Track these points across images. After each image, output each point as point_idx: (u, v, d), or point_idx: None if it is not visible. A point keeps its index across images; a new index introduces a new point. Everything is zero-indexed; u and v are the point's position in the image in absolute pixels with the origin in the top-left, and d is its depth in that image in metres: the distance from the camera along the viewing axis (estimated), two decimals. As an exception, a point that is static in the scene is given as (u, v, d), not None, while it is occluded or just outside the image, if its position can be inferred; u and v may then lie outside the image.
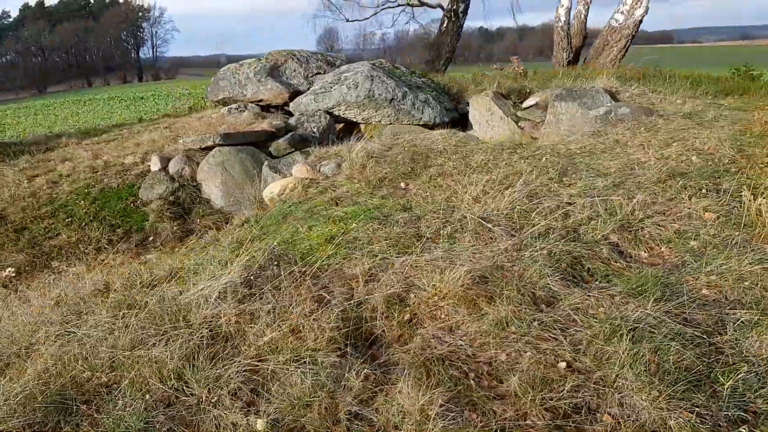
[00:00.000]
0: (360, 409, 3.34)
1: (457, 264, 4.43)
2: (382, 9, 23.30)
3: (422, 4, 23.39)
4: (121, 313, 4.87)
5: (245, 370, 3.76)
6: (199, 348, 4.09)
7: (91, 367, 4.18)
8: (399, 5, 23.30)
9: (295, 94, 11.91)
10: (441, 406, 3.13)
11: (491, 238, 4.83)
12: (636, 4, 16.96)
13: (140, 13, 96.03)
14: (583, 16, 18.87)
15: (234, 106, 11.91)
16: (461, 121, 11.44)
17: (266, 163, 8.03)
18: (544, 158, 6.48)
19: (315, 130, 10.13)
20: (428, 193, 6.04)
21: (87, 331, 4.65)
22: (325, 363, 3.68)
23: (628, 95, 9.48)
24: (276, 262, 4.83)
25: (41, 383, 4.04)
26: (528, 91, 11.24)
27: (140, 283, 5.51)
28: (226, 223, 8.60)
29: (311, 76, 12.34)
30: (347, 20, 23.76)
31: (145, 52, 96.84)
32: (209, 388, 3.71)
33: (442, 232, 5.13)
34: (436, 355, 3.66)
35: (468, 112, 11.31)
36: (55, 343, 4.66)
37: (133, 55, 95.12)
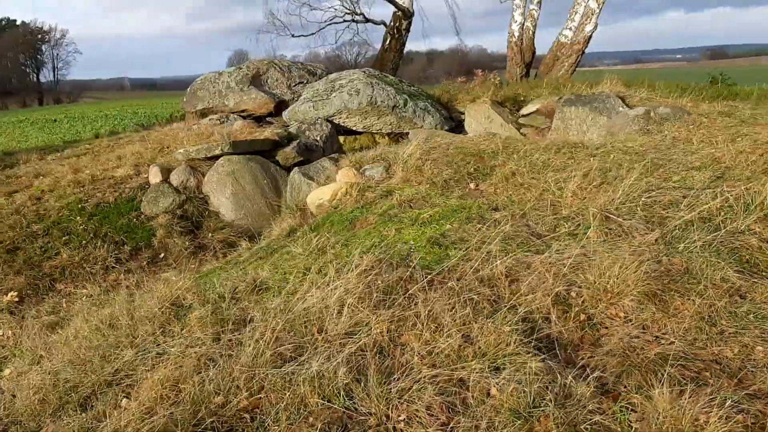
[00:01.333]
0: (602, 418, 2.97)
1: (599, 260, 4.15)
2: (328, 24, 22.96)
3: (367, 21, 23.25)
4: (227, 329, 4.34)
5: (433, 382, 3.32)
6: (361, 359, 3.63)
7: (222, 389, 3.63)
8: (345, 21, 23.06)
9: (280, 104, 11.41)
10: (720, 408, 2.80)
11: (624, 232, 4.57)
12: (586, 20, 17.37)
13: (39, 36, 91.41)
14: (531, 32, 19.19)
15: (215, 116, 11.27)
16: (456, 130, 11.24)
17: (296, 170, 7.51)
18: (611, 155, 6.31)
19: (318, 138, 9.66)
20: (510, 192, 5.75)
21: (195, 349, 4.10)
22: (527, 369, 3.28)
23: (638, 99, 9.53)
24: (412, 265, 4.39)
25: (162, 412, 3.48)
26: (522, 99, 11.17)
27: (218, 296, 4.95)
28: (242, 237, 8.04)
29: (294, 86, 11.86)
30: (293, 35, 23.26)
31: (46, 75, 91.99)
32: (393, 405, 3.25)
33: (558, 229, 4.84)
34: (649, 356, 3.34)
35: (462, 120, 11.13)
36: (159, 365, 4.08)
37: (32, 78, 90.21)
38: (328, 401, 3.38)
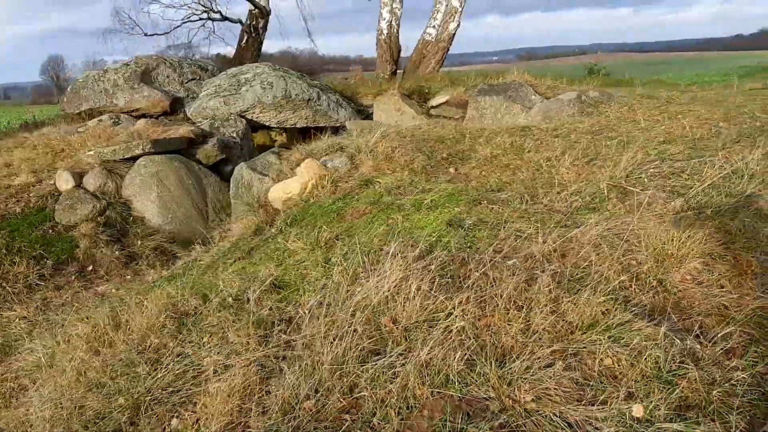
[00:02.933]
0: (742, 374, 3.02)
1: (646, 228, 4.25)
2: (183, 23, 21.89)
3: (224, 19, 22.46)
4: (272, 331, 3.98)
5: (555, 358, 3.22)
6: (458, 345, 3.44)
7: (309, 393, 3.34)
8: (200, 19, 22.09)
9: (175, 101, 10.68)
10: None
11: (640, 203, 4.70)
12: (449, 18, 17.96)
13: None
14: (396, 30, 19.48)
15: (105, 117, 10.32)
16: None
17: (243, 165, 7.01)
18: (571, 135, 6.51)
19: (234, 135, 9.15)
20: (499, 174, 5.75)
21: (246, 356, 3.73)
22: (644, 335, 3.27)
23: (545, 87, 9.95)
24: (467, 248, 4.24)
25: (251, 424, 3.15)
26: (426, 91, 11.27)
27: (232, 298, 4.53)
28: (174, 243, 7.45)
29: (186, 82, 11.15)
30: (146, 35, 21.91)
31: None
32: (517, 386, 3.12)
33: (573, 204, 4.90)
34: (746, 312, 3.44)
35: (370, 113, 11.05)
36: (208, 377, 3.66)
37: None
38: (438, 391, 3.17)
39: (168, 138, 8.15)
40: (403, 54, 19.82)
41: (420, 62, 18.70)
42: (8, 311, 6.22)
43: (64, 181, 7.69)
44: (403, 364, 3.27)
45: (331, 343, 3.51)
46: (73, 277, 6.94)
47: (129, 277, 7.08)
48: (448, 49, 18.90)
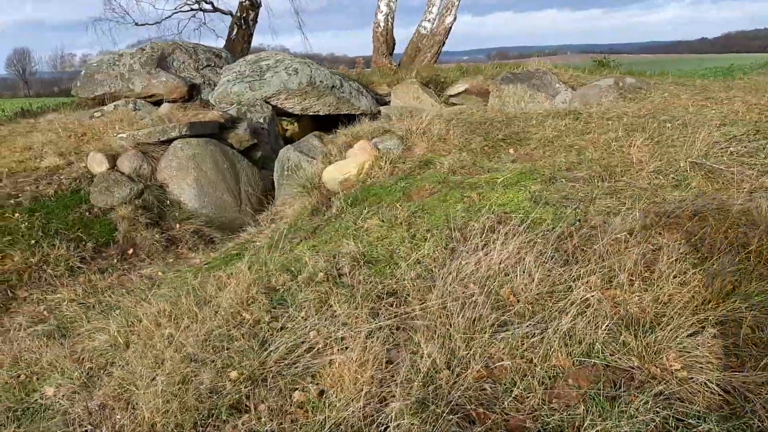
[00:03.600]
0: None
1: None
2: (175, 13, 21.55)
3: (215, 10, 22.16)
4: (381, 303, 3.92)
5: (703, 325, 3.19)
6: (589, 316, 3.40)
7: (443, 364, 3.29)
8: (191, 9, 21.77)
9: (191, 88, 10.51)
10: None
11: (727, 181, 4.73)
12: (446, 12, 17.99)
13: None
14: (390, 23, 19.44)
15: (120, 102, 10.11)
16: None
17: (290, 147, 6.90)
18: (623, 119, 6.53)
19: (261, 120, 9.02)
20: (564, 155, 5.73)
21: (364, 327, 3.66)
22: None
23: (568, 77, 9.99)
24: (576, 222, 4.21)
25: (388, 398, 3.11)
26: (443, 80, 11.25)
27: (324, 273, 4.43)
28: (211, 226, 7.33)
29: (201, 69, 10.98)
30: (136, 24, 21.51)
31: None
32: (665, 355, 3.09)
33: (656, 183, 4.90)
34: None
35: (387, 101, 10.99)
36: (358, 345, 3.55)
37: None
38: (581, 360, 3.14)
39: (203, 122, 8.00)
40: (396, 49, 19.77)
41: (415, 55, 18.69)
42: (53, 294, 6.04)
43: (98, 163, 7.50)
44: (542, 334, 3.23)
45: (458, 313, 3.46)
46: (115, 260, 6.77)
47: (171, 260, 6.94)
48: (444, 43, 18.93)
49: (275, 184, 7.19)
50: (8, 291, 6.05)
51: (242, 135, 8.29)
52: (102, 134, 8.65)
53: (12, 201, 7.05)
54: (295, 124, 11.99)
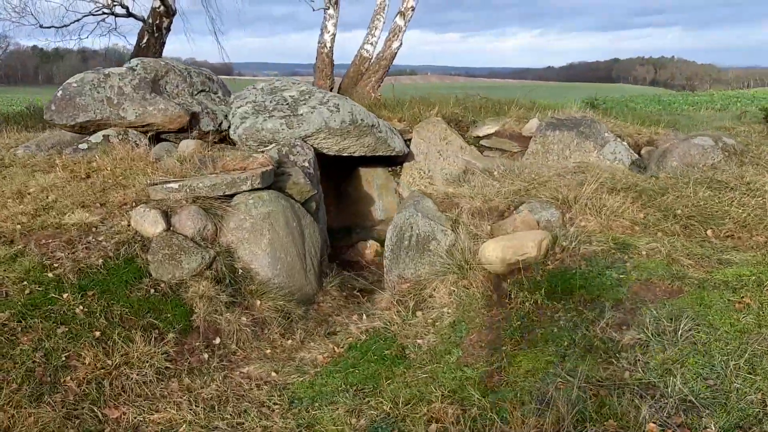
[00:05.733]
0: None
1: None
2: (84, 16, 19.05)
3: (129, 15, 19.88)
4: None
5: None
6: None
7: None
8: (103, 13, 19.38)
9: (192, 117, 8.94)
10: None
11: None
12: (393, 37, 17.57)
13: None
14: (333, 44, 18.67)
15: (110, 132, 8.37)
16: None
17: (413, 211, 5.70)
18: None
19: (307, 164, 7.73)
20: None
21: None
22: None
23: (612, 124, 9.50)
24: None
25: None
26: (460, 119, 10.42)
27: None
28: (289, 301, 6.08)
29: (196, 94, 9.39)
30: (41, 26, 18.76)
31: None
32: None
33: None
34: None
35: (407, 140, 10.00)
36: None
37: None
38: None
39: (266, 170, 6.61)
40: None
41: (358, 79, 17.98)
42: (154, 411, 4.55)
43: (151, 223, 5.93)
44: None
45: None
46: (204, 355, 5.32)
47: (268, 351, 5.57)
48: (389, 68, 18.35)
49: (389, 253, 6.00)
50: (92, 409, 4.47)
51: (303, 184, 6.99)
52: (119, 178, 7.00)
53: (50, 274, 5.36)
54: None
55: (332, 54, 17.91)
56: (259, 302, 5.94)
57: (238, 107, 8.64)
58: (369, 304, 6.53)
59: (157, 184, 6.44)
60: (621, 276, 4.73)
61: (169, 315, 5.44)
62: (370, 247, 9.47)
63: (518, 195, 6.03)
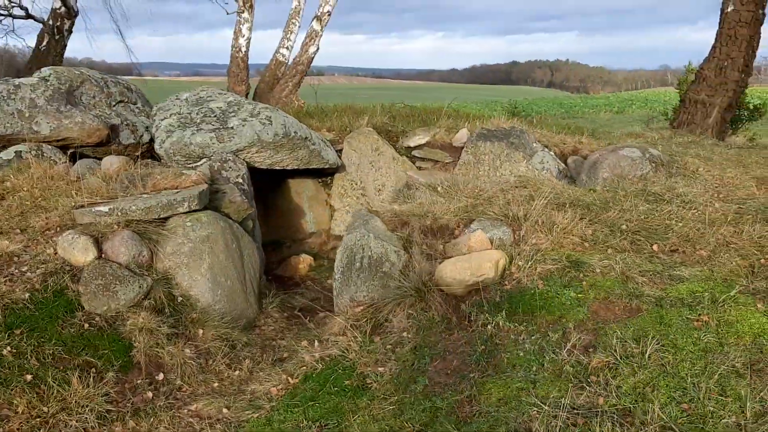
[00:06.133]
0: None
1: None
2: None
3: (28, 16, 18.70)
4: None
5: None
6: None
7: None
8: (0, 15, 18.15)
9: (111, 130, 8.45)
10: None
11: None
12: (310, 41, 17.50)
13: None
14: (248, 49, 18.37)
15: (22, 148, 7.78)
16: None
17: (364, 231, 5.51)
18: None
19: (241, 181, 7.41)
20: (724, 256, 5.23)
21: None
22: None
23: (539, 134, 9.63)
24: None
25: None
26: (389, 129, 10.32)
27: None
28: (232, 328, 5.84)
29: (115, 105, 8.88)
30: (-71, 28, 17.32)
31: None
32: None
33: None
34: None
35: (338, 151, 9.81)
36: None
37: None
38: None
39: (202, 190, 6.26)
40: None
41: (275, 84, 17.78)
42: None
43: (81, 250, 5.49)
44: None
45: None
46: (149, 394, 4.96)
47: (216, 384, 5.26)
48: (306, 73, 18.18)
49: (339, 275, 5.78)
50: (29, 467, 4.06)
51: (239, 203, 6.69)
52: (38, 200, 6.48)
53: (-31, 311, 4.87)
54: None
55: (248, 59, 17.54)
56: (201, 331, 5.62)
57: (162, 119, 8.19)
58: (313, 326, 6.32)
59: (83, 207, 5.99)
60: (579, 295, 4.72)
61: (106, 351, 5.05)
62: (303, 261, 9.22)
63: (466, 212, 5.95)
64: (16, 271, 5.39)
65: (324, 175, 9.95)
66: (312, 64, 17.65)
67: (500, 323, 4.69)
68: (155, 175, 6.55)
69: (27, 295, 5.14)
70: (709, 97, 12.76)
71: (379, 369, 4.75)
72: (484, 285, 5.00)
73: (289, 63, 17.58)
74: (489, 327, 4.70)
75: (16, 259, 5.52)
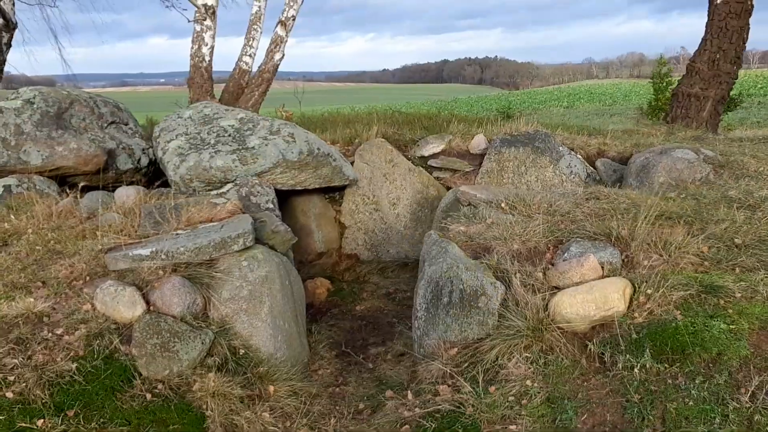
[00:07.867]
0: None
1: None
2: None
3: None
4: None
5: None
6: None
7: None
8: (-67, 29, 16.55)
9: (108, 155, 7.53)
10: None
11: None
12: (275, 48, 16.83)
13: None
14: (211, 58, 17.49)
15: (12, 181, 6.80)
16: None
17: (457, 259, 4.83)
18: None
19: (271, 206, 6.65)
20: None
21: None
22: None
23: (561, 137, 9.14)
24: None
25: None
26: (398, 137, 9.67)
27: None
28: (291, 379, 5.15)
29: (106, 127, 7.95)
30: None
31: None
32: None
33: None
34: None
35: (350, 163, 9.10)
36: None
37: None
38: None
39: (249, 222, 5.46)
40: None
41: (239, 94, 16.97)
42: None
43: (128, 304, 4.63)
44: None
45: None
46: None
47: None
48: (271, 81, 17.44)
49: (422, 312, 5.09)
50: None
51: (283, 232, 5.91)
52: (50, 243, 5.57)
53: (9, 394, 3.98)
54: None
55: (212, 68, 16.61)
56: (272, 388, 4.84)
57: (168, 141, 7.32)
58: (371, 365, 5.63)
59: (114, 250, 5.11)
60: (731, 326, 4.17)
61: (177, 426, 4.23)
62: (321, 286, 8.47)
63: (552, 232, 5.35)
64: (51, 335, 4.50)
65: (332, 190, 9.23)
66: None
67: (647, 365, 4.09)
68: (189, 208, 5.72)
69: (73, 365, 4.26)
70: (702, 90, 12.57)
71: (511, 428, 4.08)
72: (610, 319, 4.40)
73: (254, 71, 16.79)
74: (635, 370, 4.09)
75: (46, 319, 4.63)
